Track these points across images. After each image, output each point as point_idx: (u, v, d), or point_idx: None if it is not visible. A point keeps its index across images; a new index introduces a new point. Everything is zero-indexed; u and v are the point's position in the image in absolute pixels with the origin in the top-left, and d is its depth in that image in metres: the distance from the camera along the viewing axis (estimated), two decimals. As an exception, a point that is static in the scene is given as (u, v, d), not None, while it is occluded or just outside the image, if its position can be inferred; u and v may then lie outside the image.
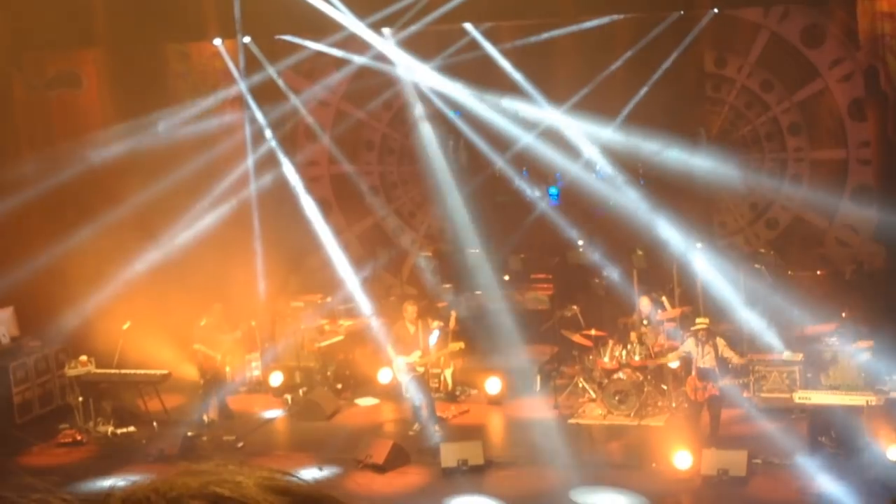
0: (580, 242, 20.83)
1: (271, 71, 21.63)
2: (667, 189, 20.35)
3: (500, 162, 21.95)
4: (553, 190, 22.63)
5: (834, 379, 16.20)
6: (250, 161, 21.55)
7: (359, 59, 21.52)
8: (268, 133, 21.72)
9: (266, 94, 21.75)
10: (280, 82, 21.88)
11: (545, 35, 20.50)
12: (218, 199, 21.16)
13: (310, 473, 15.16)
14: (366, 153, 23.49)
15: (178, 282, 19.22)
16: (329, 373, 19.47)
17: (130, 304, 18.94)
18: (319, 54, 21.76)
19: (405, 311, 17.43)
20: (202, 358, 18.03)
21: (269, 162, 21.85)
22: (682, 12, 20.12)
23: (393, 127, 23.10)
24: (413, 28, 19.86)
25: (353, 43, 21.15)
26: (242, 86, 21.49)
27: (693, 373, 15.57)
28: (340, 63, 22.14)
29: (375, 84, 21.95)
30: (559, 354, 19.51)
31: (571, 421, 17.22)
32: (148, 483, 1.57)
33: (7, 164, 19.50)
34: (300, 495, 1.57)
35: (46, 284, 19.21)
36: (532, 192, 22.18)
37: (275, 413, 18.69)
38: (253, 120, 21.71)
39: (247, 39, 21.14)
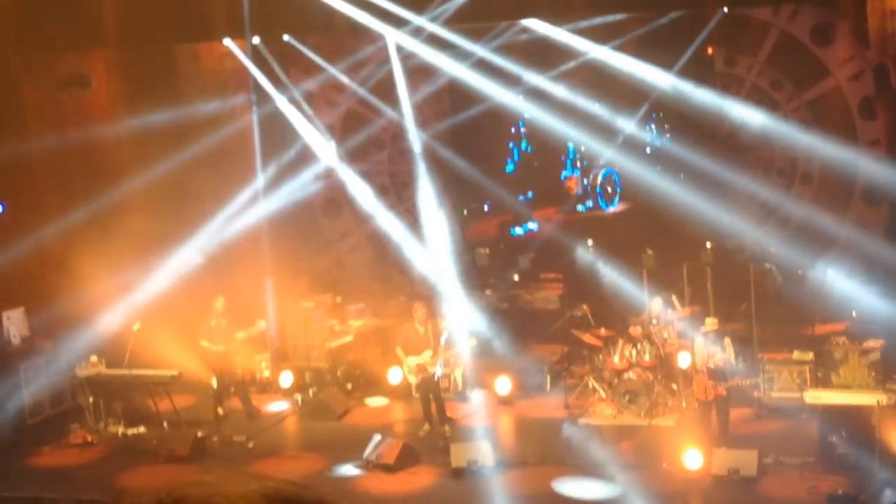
0: (589, 242, 20.82)
1: (280, 72, 21.64)
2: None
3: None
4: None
5: (844, 378, 16.17)
6: (258, 160, 21.53)
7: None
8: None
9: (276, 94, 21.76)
10: (289, 82, 21.88)
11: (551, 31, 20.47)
12: (227, 199, 21.22)
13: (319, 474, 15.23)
14: (376, 153, 23.47)
15: (187, 282, 19.30)
16: (339, 373, 19.49)
17: (141, 305, 19.00)
18: (332, 51, 21.84)
19: (415, 312, 17.40)
20: (208, 355, 18.08)
21: (278, 159, 21.86)
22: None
23: (405, 127, 23.03)
24: (418, 25, 19.88)
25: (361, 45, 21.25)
26: (264, 83, 21.45)
27: (703, 372, 15.53)
28: (351, 61, 22.20)
29: (386, 84, 21.94)
30: (569, 354, 19.49)
31: (582, 421, 17.21)
32: (153, 493, 1.57)
33: (18, 165, 19.52)
34: None
35: (57, 285, 19.24)
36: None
37: (279, 404, 18.75)
38: (263, 117, 21.71)
39: (256, 40, 21.14)
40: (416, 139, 21.83)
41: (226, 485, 1.56)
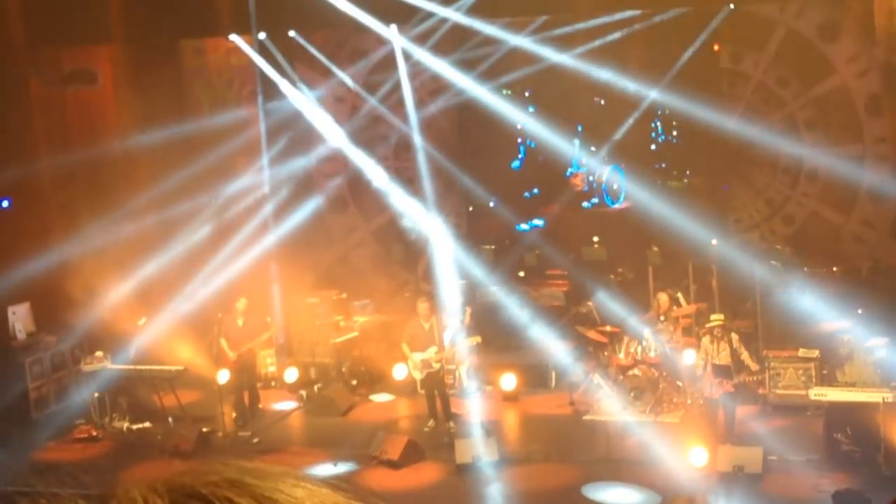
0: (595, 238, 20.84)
1: (287, 67, 21.65)
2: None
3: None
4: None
5: (850, 376, 16.15)
6: (265, 156, 21.51)
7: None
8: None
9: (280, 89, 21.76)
10: (295, 78, 21.89)
11: (559, 31, 20.47)
12: (232, 194, 21.25)
13: (324, 470, 15.22)
14: (381, 148, 23.44)
15: (192, 277, 19.33)
16: (344, 369, 19.49)
17: (146, 300, 19.03)
18: (337, 47, 21.89)
19: (419, 309, 17.40)
20: (222, 355, 17.96)
21: (285, 155, 21.87)
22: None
23: (409, 123, 23.00)
24: (427, 25, 19.94)
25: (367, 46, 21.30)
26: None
27: (708, 369, 15.51)
28: (356, 57, 22.26)
29: (392, 80, 21.96)
30: (574, 351, 19.46)
31: (586, 417, 17.20)
32: (147, 483, 1.56)
33: (24, 160, 19.56)
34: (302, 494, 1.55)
35: (62, 280, 19.29)
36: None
37: (286, 404, 18.76)
38: (269, 115, 21.70)
39: (262, 36, 21.15)
40: (420, 135, 21.84)
41: (220, 473, 1.55)
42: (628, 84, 20.69)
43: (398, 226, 22.78)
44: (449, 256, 20.57)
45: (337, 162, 23.22)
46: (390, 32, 20.67)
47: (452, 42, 21.12)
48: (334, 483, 1.60)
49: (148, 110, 20.55)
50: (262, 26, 20.74)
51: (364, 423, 17.66)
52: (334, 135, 21.93)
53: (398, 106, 22.28)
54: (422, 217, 21.40)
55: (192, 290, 19.42)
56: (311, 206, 22.10)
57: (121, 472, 15.38)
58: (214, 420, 17.49)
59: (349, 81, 22.17)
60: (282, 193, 21.58)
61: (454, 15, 19.46)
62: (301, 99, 21.64)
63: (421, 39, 20.90)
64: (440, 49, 21.11)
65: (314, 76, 22.36)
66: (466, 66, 21.30)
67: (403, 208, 21.64)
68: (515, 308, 20.02)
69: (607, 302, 19.21)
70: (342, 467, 15.55)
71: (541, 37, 20.69)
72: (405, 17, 19.94)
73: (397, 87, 21.89)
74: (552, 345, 19.51)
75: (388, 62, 21.50)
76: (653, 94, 20.77)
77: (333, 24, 20.49)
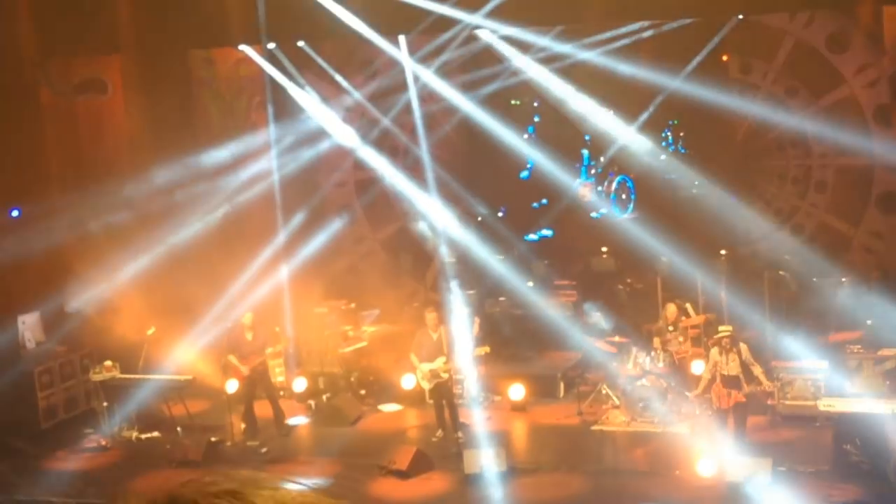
0: (604, 249, 20.83)
1: (296, 75, 21.68)
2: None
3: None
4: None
5: (859, 387, 16.11)
6: (273, 157, 21.50)
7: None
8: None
9: (289, 100, 21.77)
10: (304, 84, 21.89)
11: (567, 42, 20.48)
12: (236, 196, 21.33)
13: (329, 479, 15.22)
14: (391, 157, 23.42)
15: (200, 284, 19.34)
16: (352, 378, 19.50)
17: (154, 309, 19.04)
18: (347, 57, 21.93)
19: (427, 319, 17.38)
20: (232, 370, 17.83)
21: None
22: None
23: (417, 134, 23.01)
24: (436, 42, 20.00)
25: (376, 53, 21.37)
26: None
27: (718, 380, 15.49)
28: (366, 68, 22.31)
29: (400, 89, 21.97)
30: (583, 361, 19.46)
31: (595, 427, 17.18)
32: (147, 495, 1.57)
33: (34, 170, 19.62)
34: None
35: (73, 289, 19.32)
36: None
37: (298, 419, 18.72)
38: (278, 127, 21.73)
39: (271, 46, 21.19)
40: (428, 145, 21.86)
41: (223, 483, 1.57)
42: (637, 93, 20.73)
43: (407, 235, 22.79)
44: (457, 266, 20.58)
45: (346, 172, 23.27)
46: (400, 52, 20.74)
47: (461, 57, 21.13)
48: (336, 492, 1.61)
49: (157, 120, 20.61)
50: (271, 36, 20.77)
51: (372, 433, 17.67)
52: (346, 137, 21.96)
53: (407, 113, 22.28)
54: (438, 220, 21.45)
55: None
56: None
57: (129, 481, 15.38)
58: (223, 430, 17.50)
59: (357, 94, 22.17)
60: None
61: (465, 17, 19.43)
62: (311, 104, 21.68)
63: (430, 56, 20.91)
64: (449, 65, 21.11)
65: (323, 86, 22.36)
66: (475, 80, 21.32)
67: (422, 210, 21.70)
68: (524, 318, 20.03)
69: (615, 312, 19.21)
70: (350, 477, 15.53)
71: (551, 46, 20.70)
72: (413, 26, 19.93)
73: (406, 95, 21.90)
74: (560, 355, 19.53)
75: (398, 72, 21.49)
76: (661, 104, 20.79)
77: (343, 35, 20.50)
